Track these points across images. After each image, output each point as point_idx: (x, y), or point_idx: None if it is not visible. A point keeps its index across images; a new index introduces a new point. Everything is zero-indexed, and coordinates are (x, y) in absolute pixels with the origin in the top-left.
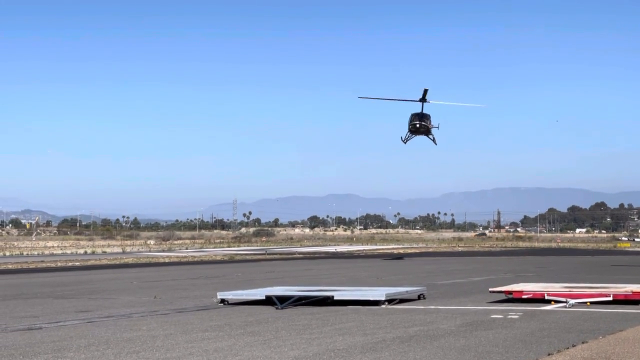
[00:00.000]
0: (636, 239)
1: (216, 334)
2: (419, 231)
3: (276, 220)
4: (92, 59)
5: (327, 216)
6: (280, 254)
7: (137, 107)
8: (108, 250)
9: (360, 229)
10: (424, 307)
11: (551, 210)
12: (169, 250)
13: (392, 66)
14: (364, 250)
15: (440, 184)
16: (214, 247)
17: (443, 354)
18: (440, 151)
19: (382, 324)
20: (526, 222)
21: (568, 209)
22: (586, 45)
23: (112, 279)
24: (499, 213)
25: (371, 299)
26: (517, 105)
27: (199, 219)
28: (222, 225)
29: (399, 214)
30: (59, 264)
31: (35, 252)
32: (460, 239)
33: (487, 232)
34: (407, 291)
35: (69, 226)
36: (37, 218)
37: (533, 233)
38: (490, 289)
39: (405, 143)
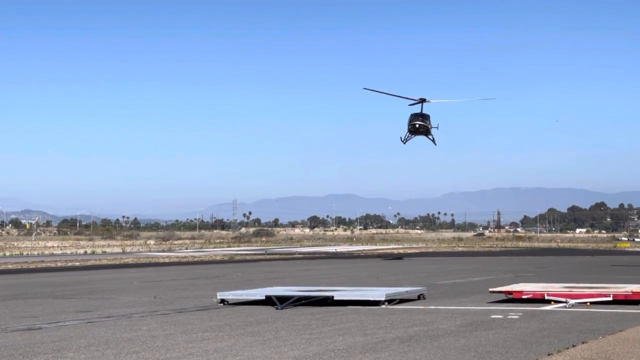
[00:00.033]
0: (636, 239)
1: (216, 334)
2: (419, 231)
3: (276, 221)
4: (92, 59)
5: (327, 216)
6: (280, 254)
7: (137, 107)
8: (108, 250)
9: (360, 229)
10: (424, 307)
11: (551, 210)
12: (169, 250)
13: (392, 66)
14: (363, 250)
15: (440, 184)
16: (214, 247)
17: (443, 354)
18: (440, 151)
19: (382, 324)
20: (526, 222)
21: (568, 209)
22: (586, 45)
23: (112, 279)
24: (499, 213)
25: (371, 299)
26: (517, 106)
27: (199, 219)
28: (222, 225)
29: (398, 214)
30: (59, 264)
31: (35, 252)
32: (460, 239)
33: (486, 232)
34: (407, 291)
35: (69, 226)
36: (37, 218)
37: (533, 233)
38: (490, 289)
39: (404, 143)
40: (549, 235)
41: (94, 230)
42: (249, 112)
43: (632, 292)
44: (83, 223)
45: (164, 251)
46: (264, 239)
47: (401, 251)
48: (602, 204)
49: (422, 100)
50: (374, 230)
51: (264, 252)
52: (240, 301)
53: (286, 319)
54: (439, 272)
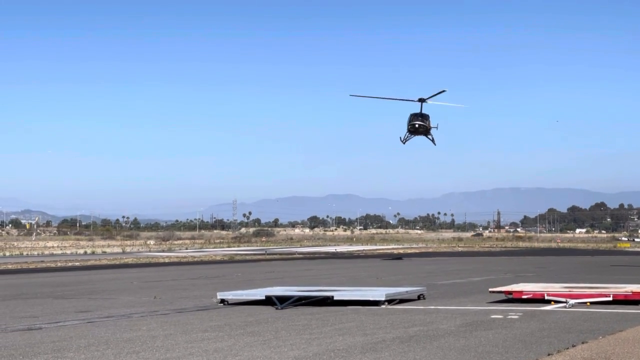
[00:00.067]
0: (636, 239)
1: (216, 334)
2: (418, 231)
3: (276, 221)
4: (92, 59)
5: (327, 216)
6: (280, 254)
7: (137, 107)
8: (108, 250)
9: (360, 229)
10: (424, 308)
11: (551, 210)
12: (169, 250)
13: (392, 66)
14: (363, 250)
15: (440, 184)
16: (214, 247)
17: (443, 354)
18: (440, 151)
19: (382, 324)
20: (526, 222)
21: (568, 209)
22: (586, 45)
23: (112, 279)
24: (498, 213)
25: (371, 299)
26: (517, 106)
27: (199, 219)
28: (222, 225)
29: (398, 214)
30: (59, 264)
31: (35, 252)
32: (460, 239)
33: (485, 232)
34: (407, 291)
35: (69, 226)
36: (37, 218)
37: (533, 233)
38: (490, 289)
39: (404, 143)
40: (549, 235)
41: (94, 230)
42: (249, 112)
43: (632, 292)
44: (83, 223)
45: (164, 251)
46: (264, 239)
47: (401, 251)
48: (602, 204)
49: (422, 101)
50: (373, 231)
51: (264, 252)
52: (240, 301)
53: (286, 319)
54: (439, 272)
